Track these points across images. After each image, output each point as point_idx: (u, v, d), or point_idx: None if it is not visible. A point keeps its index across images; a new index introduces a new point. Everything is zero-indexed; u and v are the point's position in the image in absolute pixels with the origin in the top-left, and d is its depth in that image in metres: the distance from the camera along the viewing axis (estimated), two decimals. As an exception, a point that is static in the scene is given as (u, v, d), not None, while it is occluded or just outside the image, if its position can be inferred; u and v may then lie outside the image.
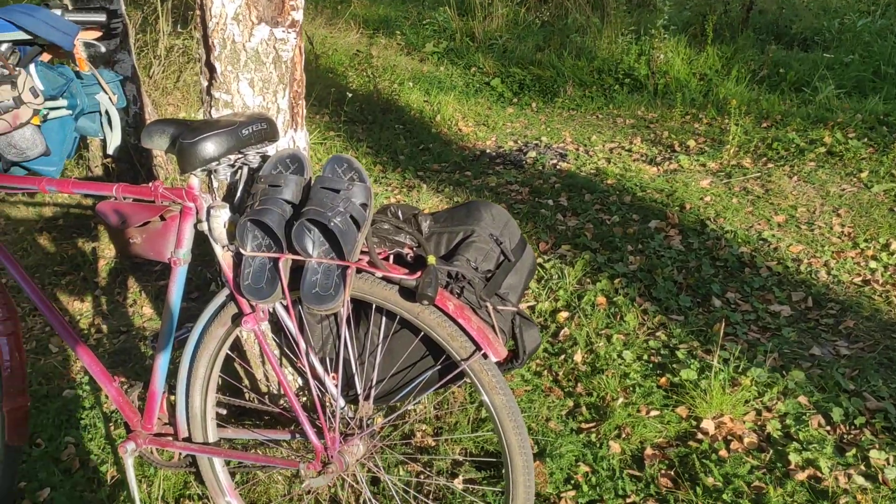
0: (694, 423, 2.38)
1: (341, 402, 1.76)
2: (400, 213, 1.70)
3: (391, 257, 1.68)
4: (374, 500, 1.91)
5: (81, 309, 3.32)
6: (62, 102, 2.18)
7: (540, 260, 3.39)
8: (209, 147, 1.56)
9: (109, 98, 2.26)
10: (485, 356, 1.56)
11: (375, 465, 1.84)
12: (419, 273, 1.55)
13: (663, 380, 2.57)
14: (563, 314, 2.99)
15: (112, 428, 2.47)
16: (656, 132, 4.99)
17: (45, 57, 2.16)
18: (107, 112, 2.26)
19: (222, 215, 1.66)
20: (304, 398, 2.01)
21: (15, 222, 4.03)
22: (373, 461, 1.82)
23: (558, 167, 4.51)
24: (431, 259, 1.57)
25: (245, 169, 1.71)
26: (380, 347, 1.73)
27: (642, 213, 3.75)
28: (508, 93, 6.33)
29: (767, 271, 3.22)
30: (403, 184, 4.43)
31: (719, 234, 3.49)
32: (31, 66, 2.06)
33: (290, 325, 1.72)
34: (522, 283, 1.75)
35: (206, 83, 1.80)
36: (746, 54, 5.99)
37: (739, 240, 3.44)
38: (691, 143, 4.68)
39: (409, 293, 1.57)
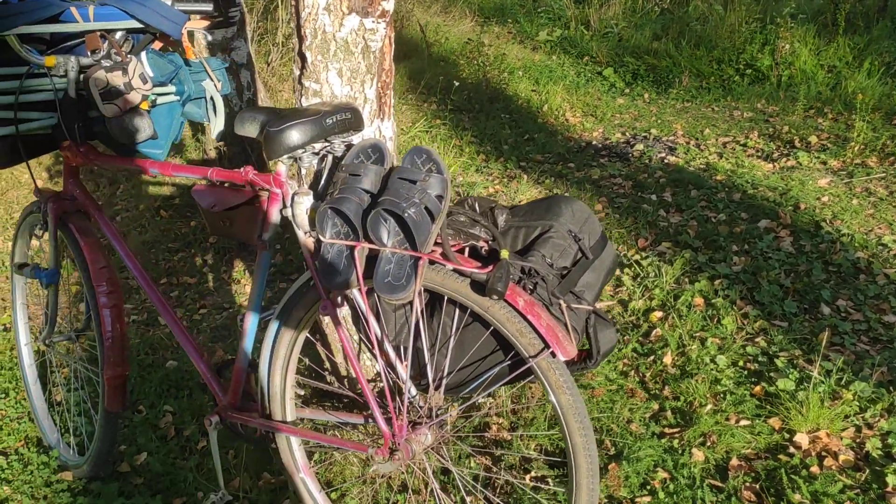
0: (786, 435, 2.27)
1: (412, 390, 1.78)
2: (477, 205, 1.69)
3: (466, 250, 1.68)
4: (440, 491, 1.92)
5: (190, 284, 3.50)
6: (171, 89, 2.29)
7: (637, 257, 3.30)
8: (294, 135, 1.60)
9: (214, 85, 2.35)
10: (553, 354, 1.53)
11: (444, 456, 1.85)
12: (491, 267, 1.54)
13: (757, 388, 2.46)
14: (657, 314, 2.90)
15: (206, 400, 2.59)
16: (775, 126, 4.75)
17: (157, 45, 2.27)
18: (212, 98, 2.35)
19: (305, 202, 1.70)
20: (380, 385, 2.04)
21: (137, 200, 4.28)
22: (441, 452, 1.83)
23: (666, 161, 4.38)
24: (504, 253, 1.56)
25: (330, 157, 1.75)
26: (451, 339, 1.73)
27: (752, 212, 3.58)
28: (621, 83, 6.19)
29: (885, 279, 3.01)
30: (504, 174, 4.41)
31: (834, 238, 3.29)
32: (143, 54, 2.17)
33: (366, 312, 1.74)
34: (600, 282, 1.71)
35: (297, 72, 1.85)
36: (881, 45, 5.60)
37: (856, 244, 3.24)
38: (813, 139, 4.43)
39: (479, 287, 1.56)
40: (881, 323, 2.77)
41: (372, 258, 1.64)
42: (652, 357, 2.67)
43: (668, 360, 2.63)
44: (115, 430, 2.22)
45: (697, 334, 2.77)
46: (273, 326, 1.87)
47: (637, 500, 2.05)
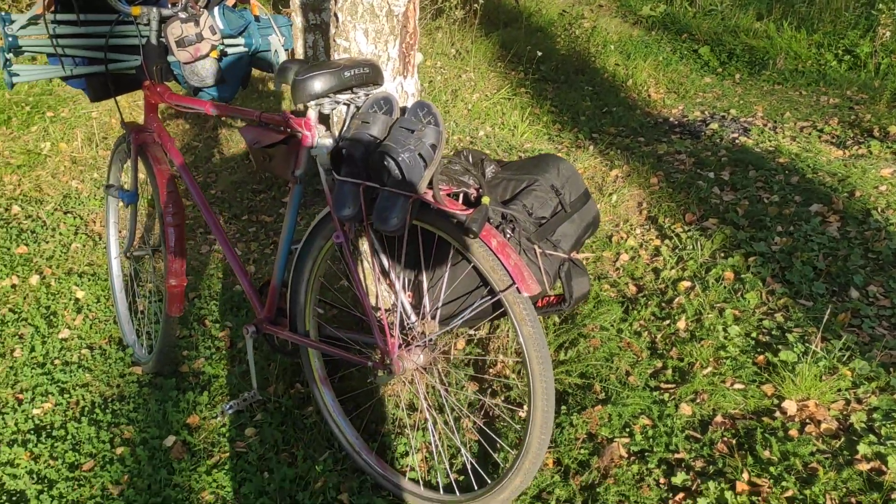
0: (776, 401, 2.39)
1: (412, 317, 2.03)
2: (470, 157, 1.91)
3: (461, 196, 1.90)
4: (427, 402, 2.18)
5: (266, 222, 3.87)
6: (240, 41, 2.60)
7: (679, 230, 3.42)
8: (315, 84, 1.86)
9: (279, 40, 2.64)
10: (518, 290, 1.75)
11: (433, 376, 2.09)
12: (472, 210, 1.76)
13: (761, 357, 2.58)
14: (686, 283, 3.03)
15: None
16: (858, 114, 4.66)
17: (230, 1, 2.58)
18: (276, 51, 2.64)
19: (327, 144, 1.97)
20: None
21: (231, 144, 4.70)
22: (432, 372, 2.08)
23: (736, 141, 4.40)
24: (486, 200, 1.78)
25: (352, 107, 2.00)
26: (445, 274, 1.97)
27: (806, 196, 3.61)
28: (715, 62, 6.15)
29: (923, 270, 3.02)
30: (574, 143, 4.55)
31: (882, 226, 3.30)
32: (216, 9, 2.48)
33: (375, 243, 2.00)
34: (577, 234, 1.91)
35: (333, 30, 2.10)
36: None
37: (903, 234, 3.23)
38: (893, 129, 4.34)
39: (463, 227, 1.79)
40: (907, 310, 2.80)
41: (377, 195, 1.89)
42: (668, 321, 2.82)
43: (681, 324, 2.78)
44: (174, 333, 2.58)
45: (718, 305, 2.89)
46: (299, 252, 2.16)
47: (615, 439, 2.24)
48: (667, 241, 3.36)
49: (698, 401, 2.40)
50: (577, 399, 2.40)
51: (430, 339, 2.01)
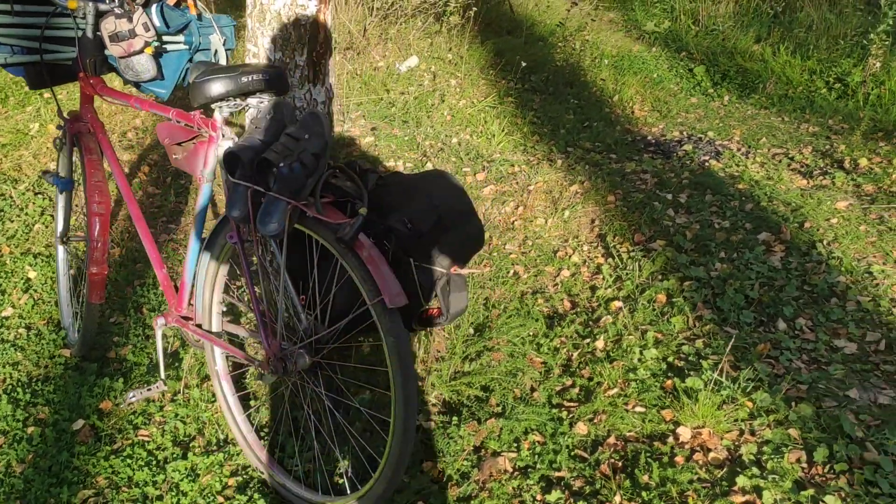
0: (672, 427, 2.41)
1: (304, 320, 2.08)
2: (357, 167, 1.95)
3: (350, 206, 1.94)
4: (306, 405, 2.22)
5: (184, 209, 3.93)
6: (180, 38, 2.66)
7: (624, 249, 3.44)
8: (209, 87, 1.92)
9: (219, 39, 2.70)
10: (383, 302, 1.79)
11: (317, 380, 2.14)
12: (346, 220, 1.81)
13: (669, 382, 2.60)
14: (617, 303, 3.06)
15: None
16: (833, 144, 4.64)
17: (172, 0, 2.65)
18: (216, 51, 2.70)
19: (224, 145, 2.03)
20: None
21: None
22: (316, 375, 2.12)
23: (705, 164, 4.40)
24: (362, 210, 1.82)
25: (251, 111, 2.05)
26: (333, 280, 2.01)
27: (756, 223, 3.61)
28: (707, 82, 6.14)
29: (855, 305, 3.01)
30: (547, 156, 4.57)
31: (823, 259, 3.30)
32: (154, 6, 2.54)
33: (263, 245, 2.05)
34: (456, 249, 1.94)
35: (247, 34, 2.16)
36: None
37: (843, 268, 3.23)
38: (863, 161, 4.32)
39: (335, 236, 1.83)
40: (829, 346, 2.81)
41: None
42: (589, 339, 2.84)
43: (600, 344, 2.80)
44: (95, 319, 2.65)
45: (643, 327, 2.91)
46: (204, 248, 2.22)
47: (502, 453, 2.27)
48: (610, 260, 3.39)
49: (596, 420, 2.43)
50: (472, 411, 2.44)
51: (314, 343, 2.05)
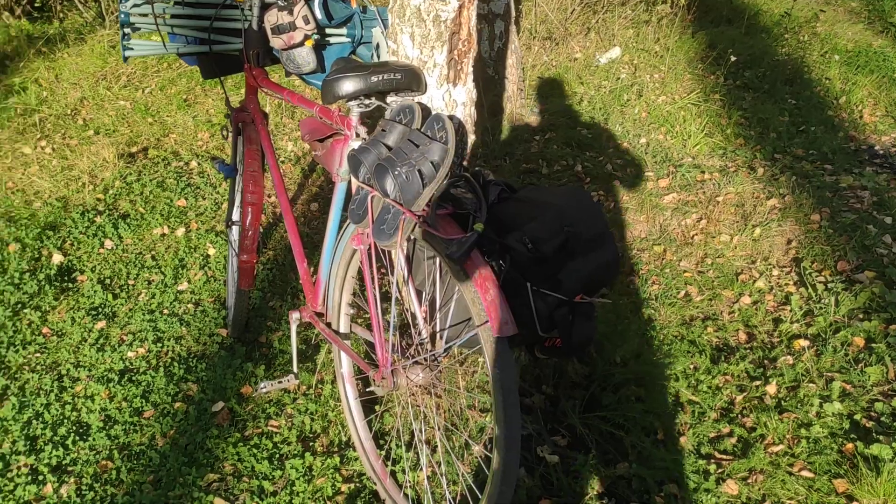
0: (844, 501, 2.03)
1: (422, 332, 1.96)
2: (482, 178, 1.79)
3: (471, 220, 1.78)
4: (419, 423, 2.10)
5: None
6: (343, 31, 2.64)
7: (823, 278, 2.99)
8: (339, 86, 1.85)
9: (383, 32, 2.65)
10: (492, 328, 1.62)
11: (428, 396, 2.01)
12: (460, 235, 1.66)
13: (850, 446, 2.20)
14: (802, 342, 2.66)
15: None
16: None
17: (337, -7, 2.62)
18: (377, 44, 2.65)
19: (352, 146, 1.95)
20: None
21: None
22: (428, 392, 2.00)
23: (944, 183, 3.76)
24: (478, 226, 1.66)
25: (386, 111, 1.96)
26: (454, 297, 1.87)
27: None
28: (961, 84, 5.26)
29: None
30: (748, 162, 4.12)
31: None
32: (316, 0, 2.53)
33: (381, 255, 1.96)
34: (584, 277, 1.73)
35: (389, 31, 2.06)
36: None
37: None
38: None
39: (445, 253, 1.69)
40: None
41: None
42: (759, 382, 2.49)
43: (772, 389, 2.44)
44: (244, 304, 2.72)
45: (829, 374, 2.50)
46: (334, 249, 2.17)
47: (630, 502, 2.03)
48: (802, 290, 2.97)
49: (750, 480, 2.11)
50: (604, 450, 2.20)
51: (432, 359, 1.93)
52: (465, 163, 2.11)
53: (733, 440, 2.26)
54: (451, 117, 1.82)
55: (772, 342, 2.71)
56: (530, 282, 1.69)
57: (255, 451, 2.34)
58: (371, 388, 2.01)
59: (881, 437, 2.21)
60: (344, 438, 2.37)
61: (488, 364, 1.66)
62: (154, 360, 2.81)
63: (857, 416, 2.31)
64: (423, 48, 1.97)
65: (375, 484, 2.16)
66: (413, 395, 2.03)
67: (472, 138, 2.15)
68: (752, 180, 3.81)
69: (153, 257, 3.53)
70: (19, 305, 3.18)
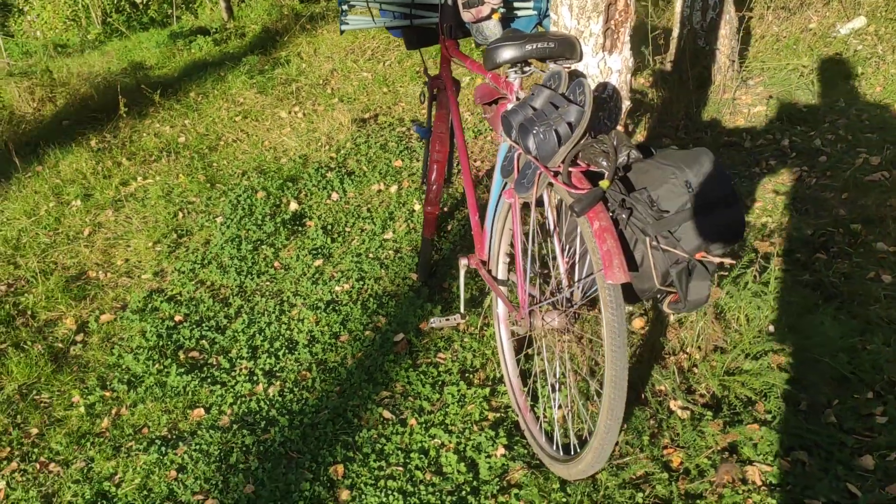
0: None
1: (563, 280, 2.16)
2: (615, 140, 1.93)
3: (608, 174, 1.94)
4: (549, 367, 2.28)
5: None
6: (529, 4, 2.86)
7: None
8: (496, 54, 2.08)
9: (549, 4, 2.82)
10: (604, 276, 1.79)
11: (564, 339, 2.20)
12: (586, 189, 1.84)
13: None
14: None
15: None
16: None
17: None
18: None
19: (508, 108, 2.17)
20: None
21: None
22: (564, 336, 2.18)
23: None
24: (604, 183, 1.82)
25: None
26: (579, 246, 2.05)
27: None
28: None
29: None
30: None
31: None
32: (503, -25, 2.76)
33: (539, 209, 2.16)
34: (706, 235, 1.82)
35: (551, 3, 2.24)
36: None
37: None
38: None
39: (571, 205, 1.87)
40: None
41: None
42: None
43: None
44: (429, 251, 3.06)
45: None
46: (492, 202, 2.42)
47: (755, 463, 2.08)
48: None
49: (891, 458, 2.07)
50: (736, 411, 2.25)
51: (564, 304, 2.12)
52: (619, 127, 2.26)
53: (885, 419, 2.20)
54: (604, 84, 1.99)
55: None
56: (648, 236, 1.82)
57: (422, 376, 2.68)
58: (513, 328, 2.24)
59: None
60: (498, 375, 2.62)
61: (602, 308, 1.82)
62: (355, 295, 3.25)
63: None
64: (580, 19, 2.14)
65: (517, 416, 2.39)
66: (550, 337, 2.23)
67: (626, 104, 2.27)
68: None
69: (368, 210, 3.99)
70: (259, 242, 3.78)
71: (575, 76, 2.02)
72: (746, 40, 5.25)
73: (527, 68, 2.16)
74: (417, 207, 3.90)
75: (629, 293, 1.95)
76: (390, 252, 3.55)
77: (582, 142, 1.92)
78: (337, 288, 3.32)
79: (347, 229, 3.85)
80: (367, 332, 2.99)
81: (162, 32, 8.85)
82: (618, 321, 1.79)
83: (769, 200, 3.49)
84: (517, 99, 2.21)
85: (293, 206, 4.16)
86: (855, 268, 2.93)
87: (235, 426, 2.56)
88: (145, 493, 2.33)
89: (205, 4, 10.79)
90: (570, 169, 1.91)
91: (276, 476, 2.32)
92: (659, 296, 1.95)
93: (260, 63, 7.07)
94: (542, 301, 2.14)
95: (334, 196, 4.21)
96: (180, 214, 4.25)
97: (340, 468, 2.33)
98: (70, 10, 11.28)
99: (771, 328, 2.44)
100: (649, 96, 4.48)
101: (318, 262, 3.55)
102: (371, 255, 3.54)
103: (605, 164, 1.90)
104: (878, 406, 2.26)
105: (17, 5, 11.91)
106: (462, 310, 2.68)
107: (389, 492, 2.22)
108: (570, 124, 1.89)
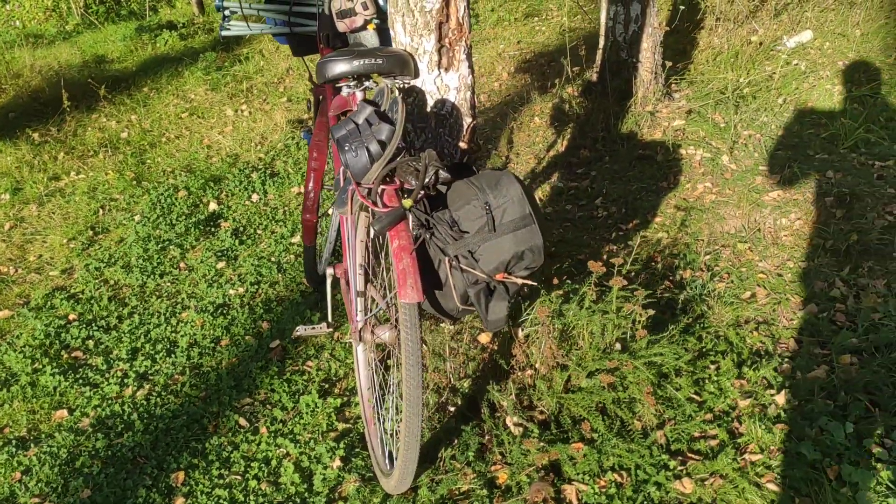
0: None
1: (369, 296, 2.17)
2: (427, 159, 1.94)
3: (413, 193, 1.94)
4: (379, 376, 2.30)
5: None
6: (409, 16, 2.84)
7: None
8: (327, 68, 2.09)
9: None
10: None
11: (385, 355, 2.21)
12: (387, 209, 1.85)
13: (836, 468, 2.08)
14: (847, 357, 2.49)
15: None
16: None
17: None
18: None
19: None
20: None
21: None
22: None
23: None
24: (406, 203, 1.84)
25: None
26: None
27: None
28: None
29: None
30: None
31: None
32: (373, -14, 2.77)
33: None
34: (504, 256, 1.83)
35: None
36: None
37: None
38: None
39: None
40: None
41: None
42: (773, 391, 2.39)
43: (781, 399, 2.33)
44: (311, 259, 3.07)
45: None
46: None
47: (573, 482, 2.10)
48: (882, 303, 2.73)
49: (708, 482, 2.08)
50: (564, 428, 2.26)
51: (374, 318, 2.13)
52: (462, 143, 2.28)
53: (714, 443, 2.21)
54: (442, 101, 2.00)
55: (819, 353, 2.55)
56: (448, 256, 1.83)
57: (285, 384, 2.69)
58: (349, 340, 2.25)
59: (879, 464, 2.05)
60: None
61: (399, 325, 1.84)
62: (247, 299, 3.26)
63: (869, 440, 2.16)
64: (413, 36, 2.15)
65: (364, 428, 2.41)
66: (379, 351, 2.24)
67: (467, 121, 2.28)
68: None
69: (284, 212, 4.01)
70: (168, 242, 3.80)
71: (409, 93, 2.04)
72: (688, 52, 5.25)
73: (367, 82, 2.17)
74: (331, 211, 3.91)
75: (442, 310, 1.96)
76: (292, 257, 3.57)
77: (398, 159, 1.93)
78: (231, 291, 3.34)
79: (259, 232, 3.87)
80: (247, 338, 3.00)
81: (130, 25, 8.87)
82: (412, 340, 1.80)
83: (669, 216, 3.50)
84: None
85: (212, 206, 4.18)
86: (731, 287, 2.94)
87: (92, 429, 2.58)
88: (-13, 493, 2.36)
89: (182, -2, 10.80)
90: (383, 186, 1.92)
91: (116, 481, 2.34)
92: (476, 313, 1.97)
93: (219, 59, 7.09)
94: (369, 315, 2.15)
95: (254, 197, 4.23)
96: (101, 212, 4.27)
97: (181, 475, 2.35)
98: (51, 0, 11.30)
99: (618, 345, 2.44)
100: (569, 107, 4.48)
101: (221, 265, 3.57)
102: (273, 259, 3.56)
103: (414, 182, 1.91)
104: (713, 427, 2.27)
105: (0, -6, 11.93)
106: (329, 318, 2.69)
107: (222, 501, 2.23)
108: (381, 142, 1.91)
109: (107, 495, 2.29)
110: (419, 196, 1.87)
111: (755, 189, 3.54)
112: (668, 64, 4.28)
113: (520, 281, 1.87)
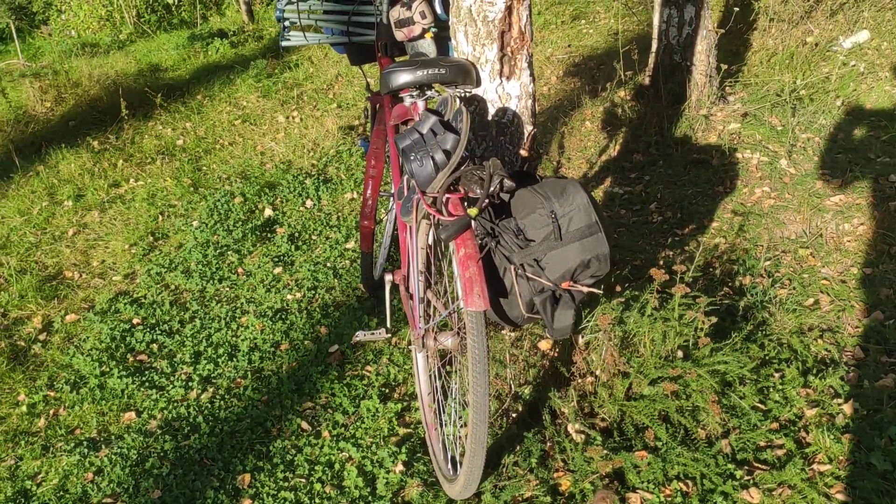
0: (868, 534, 1.91)
1: (426, 298, 2.20)
2: (491, 168, 1.95)
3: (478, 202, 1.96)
4: (441, 381, 2.31)
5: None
6: (466, 24, 2.86)
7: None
8: (390, 78, 2.12)
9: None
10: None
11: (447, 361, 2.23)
12: (454, 217, 1.87)
13: (907, 480, 2.04)
14: (918, 366, 2.44)
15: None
16: None
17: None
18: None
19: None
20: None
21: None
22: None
23: None
24: (471, 211, 1.85)
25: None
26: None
27: None
28: None
29: None
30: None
31: None
32: (436, -3, 2.80)
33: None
34: (570, 265, 1.84)
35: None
36: None
37: None
38: None
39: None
40: None
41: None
42: (840, 400, 2.35)
43: (848, 408, 2.30)
44: (368, 264, 3.11)
45: (930, 404, 2.29)
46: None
47: (637, 489, 2.09)
48: (951, 311, 2.67)
49: (776, 493, 2.05)
50: (628, 435, 2.25)
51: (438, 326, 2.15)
52: (522, 151, 2.29)
53: (781, 452, 2.19)
54: (503, 109, 2.01)
55: (886, 361, 2.50)
56: (513, 264, 1.84)
57: (345, 389, 2.73)
58: (406, 346, 2.28)
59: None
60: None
61: (467, 332, 1.85)
62: (305, 304, 3.31)
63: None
64: (475, 45, 2.16)
65: (425, 433, 2.43)
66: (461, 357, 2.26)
67: (528, 128, 2.28)
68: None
69: (338, 218, 4.06)
70: (226, 248, 3.88)
71: (471, 102, 2.05)
72: (741, 54, 5.19)
73: (429, 92, 2.19)
74: (385, 218, 3.95)
75: (506, 318, 1.97)
76: (347, 262, 3.61)
77: (462, 168, 1.95)
78: (289, 296, 3.40)
79: (314, 237, 3.93)
80: (306, 343, 3.05)
81: (182, 34, 9.06)
82: (479, 347, 1.82)
83: (726, 221, 3.46)
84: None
85: (268, 212, 4.25)
86: (793, 293, 2.90)
87: (160, 431, 2.65)
88: (61, 493, 2.43)
89: (231, 6, 11.00)
90: (448, 195, 1.94)
91: (185, 482, 2.40)
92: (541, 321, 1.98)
93: (270, 66, 7.20)
94: (432, 321, 2.17)
95: (308, 203, 4.29)
96: (160, 218, 4.38)
97: (248, 477, 2.39)
98: (105, 10, 11.59)
99: (680, 352, 2.43)
100: (621, 111, 4.46)
101: (278, 270, 3.63)
102: (329, 265, 3.61)
103: (479, 191, 1.93)
104: (778, 436, 2.24)
105: (57, 5, 12.28)
106: (388, 324, 2.72)
107: (288, 503, 2.27)
108: (446, 152, 1.93)
109: (176, 496, 2.35)
110: (484, 205, 1.89)
111: (815, 193, 3.48)
112: (724, 67, 4.23)
113: (585, 289, 1.87)
